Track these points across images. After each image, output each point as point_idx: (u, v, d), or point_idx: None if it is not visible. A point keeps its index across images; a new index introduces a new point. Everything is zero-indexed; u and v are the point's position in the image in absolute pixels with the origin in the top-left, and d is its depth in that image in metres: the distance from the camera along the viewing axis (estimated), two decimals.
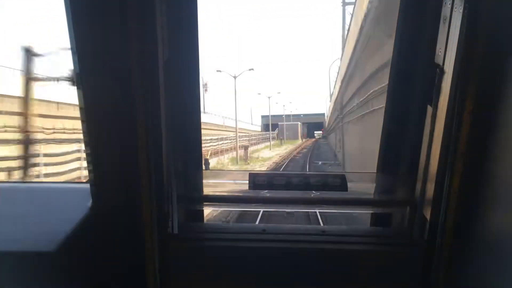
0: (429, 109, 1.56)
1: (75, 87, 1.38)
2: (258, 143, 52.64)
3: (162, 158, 1.54)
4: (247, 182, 1.77)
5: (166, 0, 1.54)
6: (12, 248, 1.27)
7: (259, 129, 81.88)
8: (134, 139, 1.44)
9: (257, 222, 11.96)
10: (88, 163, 1.48)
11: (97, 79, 1.38)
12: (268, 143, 54.33)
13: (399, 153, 1.83)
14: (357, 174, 1.93)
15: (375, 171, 1.94)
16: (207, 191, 1.87)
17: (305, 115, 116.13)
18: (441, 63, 1.48)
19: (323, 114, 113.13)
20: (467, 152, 1.46)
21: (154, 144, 1.47)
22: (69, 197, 1.70)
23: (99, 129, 1.44)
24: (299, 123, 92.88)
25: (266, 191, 1.76)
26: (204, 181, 1.88)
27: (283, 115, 78.13)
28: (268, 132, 61.91)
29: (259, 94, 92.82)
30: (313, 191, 1.76)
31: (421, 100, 1.68)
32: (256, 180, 1.76)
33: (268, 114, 65.59)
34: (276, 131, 71.33)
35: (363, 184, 1.90)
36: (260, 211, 11.93)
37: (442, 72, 1.47)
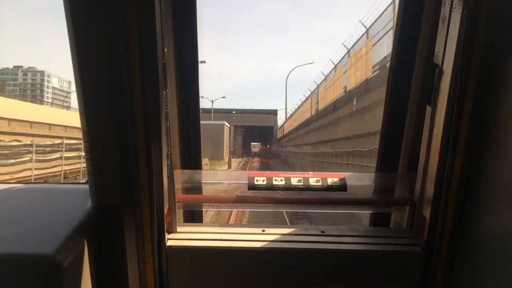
0: (428, 109, 1.57)
1: (75, 89, 1.38)
2: None
3: (161, 158, 1.54)
4: (246, 182, 1.77)
5: (166, 2, 1.54)
6: (10, 250, 1.26)
7: None
8: (133, 140, 1.44)
9: (230, 222, 11.91)
10: (87, 163, 1.48)
11: (97, 80, 1.38)
12: None
13: (399, 153, 1.83)
14: (357, 174, 1.92)
15: (374, 171, 1.95)
16: (206, 191, 1.87)
17: (240, 111, 63.95)
18: (440, 63, 1.48)
19: (275, 112, 67.27)
20: (466, 151, 1.46)
21: (153, 145, 1.47)
22: (68, 198, 1.70)
23: (98, 130, 1.44)
24: (226, 124, 47.18)
25: (265, 191, 1.76)
26: (203, 181, 1.88)
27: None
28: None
29: None
30: (313, 192, 1.76)
31: (420, 100, 1.69)
32: (255, 181, 1.77)
33: None
34: None
35: (362, 184, 1.90)
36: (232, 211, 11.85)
37: (441, 72, 1.48)
